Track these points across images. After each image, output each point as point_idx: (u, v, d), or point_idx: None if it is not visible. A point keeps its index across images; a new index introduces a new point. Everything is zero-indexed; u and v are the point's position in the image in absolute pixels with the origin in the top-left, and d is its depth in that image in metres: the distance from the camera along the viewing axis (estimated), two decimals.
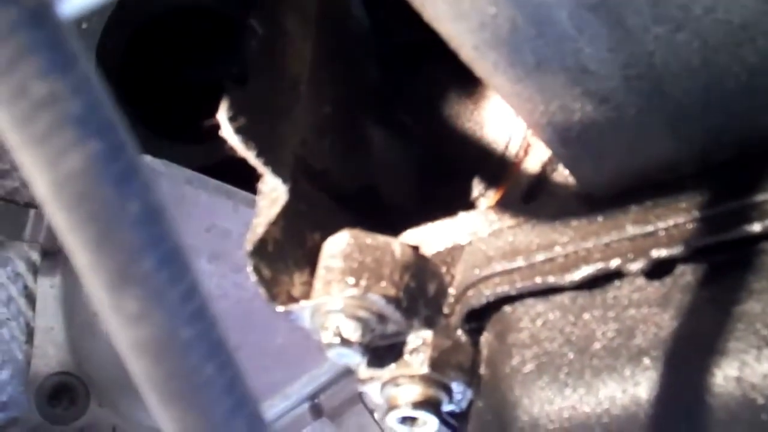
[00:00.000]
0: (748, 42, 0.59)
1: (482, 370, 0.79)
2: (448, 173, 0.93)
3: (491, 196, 0.89)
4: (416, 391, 0.78)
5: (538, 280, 0.73)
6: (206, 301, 0.42)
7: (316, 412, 1.38)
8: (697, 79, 0.62)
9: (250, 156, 0.72)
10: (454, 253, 0.81)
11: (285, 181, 0.75)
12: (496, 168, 0.89)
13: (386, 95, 1.00)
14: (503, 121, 0.91)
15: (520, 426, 0.72)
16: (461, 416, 0.82)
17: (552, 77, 0.63)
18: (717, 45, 0.60)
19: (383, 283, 0.77)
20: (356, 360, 0.78)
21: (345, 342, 0.77)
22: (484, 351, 0.79)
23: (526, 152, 0.87)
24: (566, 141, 0.68)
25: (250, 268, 0.78)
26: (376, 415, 1.39)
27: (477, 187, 0.90)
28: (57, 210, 0.38)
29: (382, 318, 0.78)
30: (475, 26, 0.60)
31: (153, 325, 0.40)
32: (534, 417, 0.71)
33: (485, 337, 0.79)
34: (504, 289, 0.74)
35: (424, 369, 0.78)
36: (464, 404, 0.81)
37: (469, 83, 0.93)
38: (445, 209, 0.86)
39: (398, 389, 0.79)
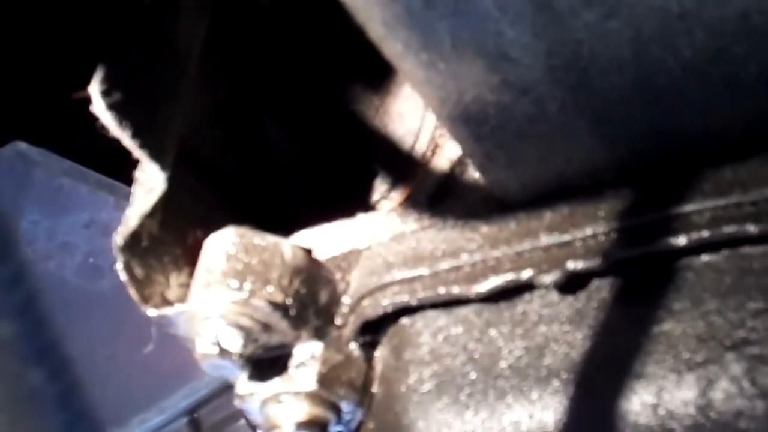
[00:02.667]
0: (685, 34, 0.54)
1: (375, 388, 0.72)
2: (349, 173, 0.85)
3: (395, 198, 0.82)
4: (301, 410, 0.71)
5: (442, 290, 0.66)
6: (35, 295, 0.34)
7: (195, 428, 1.29)
8: (626, 73, 0.56)
9: (124, 137, 0.64)
10: (350, 258, 0.73)
11: (163, 168, 0.66)
12: (401, 169, 0.82)
13: (286, 88, 0.92)
14: (410, 118, 0.84)
15: None
16: None
17: (469, 63, 0.57)
18: (651, 35, 0.54)
19: (270, 288, 0.69)
20: (235, 373, 0.70)
21: (223, 353, 0.68)
22: (378, 367, 0.72)
23: (433, 152, 0.80)
24: (479, 137, 0.62)
25: (119, 265, 0.69)
26: None
27: (379, 189, 0.83)
28: None
29: (266, 327, 0.69)
30: None
31: None
32: None
33: (380, 352, 0.72)
34: (403, 298, 0.67)
35: (312, 386, 0.70)
36: (353, 425, 0.74)
37: (374, 76, 0.86)
38: (343, 211, 0.78)
39: (281, 407, 0.71)
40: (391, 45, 0.57)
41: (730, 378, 0.56)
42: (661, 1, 0.52)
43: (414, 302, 0.67)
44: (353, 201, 0.83)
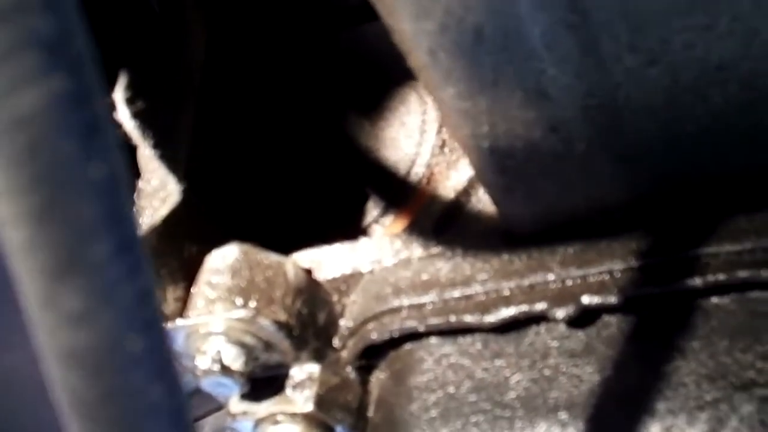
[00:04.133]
0: (719, 84, 0.56)
1: (371, 412, 0.72)
2: (340, 196, 0.86)
3: (386, 224, 0.82)
4: None
5: (452, 318, 0.66)
6: (160, 308, 0.33)
7: None
8: (657, 119, 0.58)
9: (145, 146, 0.63)
10: (350, 280, 0.74)
11: (180, 180, 0.65)
12: (395, 194, 0.82)
13: (279, 104, 0.92)
14: (404, 145, 0.84)
15: None
16: None
17: (506, 97, 0.58)
18: (687, 84, 0.56)
19: (274, 307, 0.69)
20: (234, 391, 0.69)
21: (225, 370, 0.67)
22: (374, 392, 0.72)
23: (429, 181, 0.81)
24: (503, 169, 0.63)
25: None
26: None
27: (371, 213, 0.83)
28: None
29: (268, 346, 0.69)
30: (436, 28, 0.54)
31: (97, 330, 0.30)
32: None
33: (377, 377, 0.72)
34: (411, 324, 0.68)
35: (309, 407, 0.70)
36: None
37: (367, 104, 0.87)
38: (334, 233, 0.78)
39: (277, 428, 0.71)
40: (432, 73, 0.58)
41: (739, 418, 0.58)
42: (702, 52, 0.54)
43: (422, 328, 0.67)
44: (345, 224, 0.84)
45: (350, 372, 0.72)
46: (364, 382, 0.73)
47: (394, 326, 0.68)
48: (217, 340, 0.68)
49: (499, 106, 0.58)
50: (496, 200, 0.67)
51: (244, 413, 0.72)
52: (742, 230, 0.61)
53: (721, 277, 0.60)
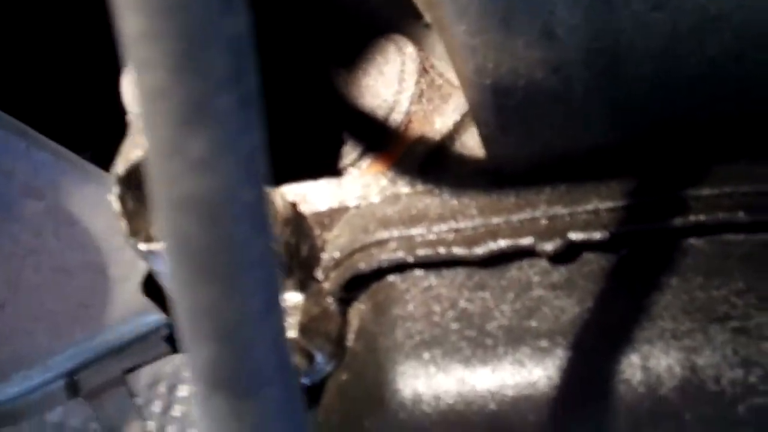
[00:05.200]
0: (716, 33, 0.60)
1: (351, 342, 0.74)
2: (319, 140, 0.87)
3: (363, 167, 0.84)
4: None
5: (442, 250, 0.69)
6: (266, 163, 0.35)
7: (73, 390, 1.24)
8: (655, 65, 0.62)
9: None
10: (334, 215, 0.76)
11: None
12: (373, 138, 0.85)
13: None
14: (383, 92, 0.87)
15: (400, 401, 0.67)
16: (311, 390, 0.76)
17: (515, 36, 0.61)
18: (686, 31, 0.60)
19: None
20: None
21: None
22: (354, 322, 0.74)
23: (407, 129, 0.83)
24: (501, 107, 0.66)
25: (113, 197, 0.69)
26: (138, 400, 1.27)
27: (348, 156, 0.86)
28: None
29: None
30: None
31: (218, 177, 0.32)
32: (417, 394, 0.67)
33: (357, 308, 0.74)
34: (400, 255, 0.70)
35: (292, 333, 0.72)
36: (319, 377, 0.76)
37: (348, 52, 0.89)
38: (313, 175, 0.80)
39: None
40: (447, 9, 0.60)
41: (713, 347, 0.63)
42: (703, 0, 0.58)
43: (411, 260, 0.70)
44: (322, 166, 0.85)
45: (331, 303, 0.74)
46: (344, 313, 0.75)
47: (383, 257, 0.70)
48: None
49: (506, 44, 0.61)
50: (488, 139, 0.70)
51: None
52: (723, 175, 0.65)
53: (702, 218, 0.64)
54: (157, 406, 1.22)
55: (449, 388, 0.67)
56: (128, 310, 1.13)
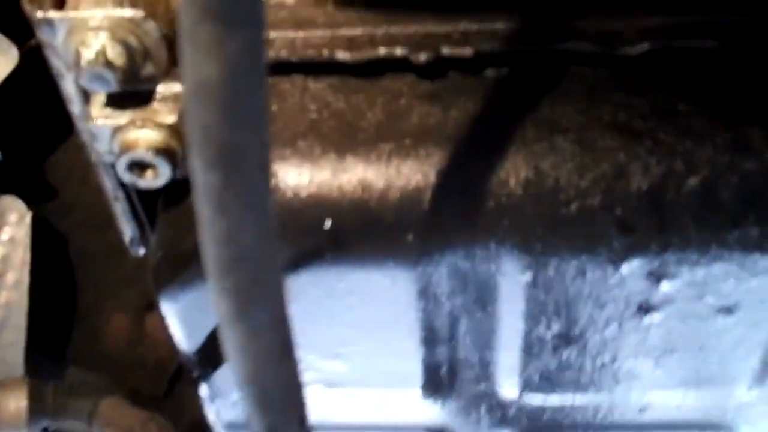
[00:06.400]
0: None
1: None
2: None
3: None
4: (160, 138, 0.76)
5: (325, 52, 0.75)
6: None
7: None
8: None
9: None
10: None
11: None
12: None
13: None
14: None
15: (275, 187, 0.73)
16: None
17: None
18: None
19: (159, 18, 0.73)
20: (111, 87, 0.73)
21: (108, 64, 0.72)
22: None
23: None
24: None
25: None
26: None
27: None
28: None
29: (147, 54, 0.74)
30: None
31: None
32: (292, 180, 0.74)
33: None
34: (283, 55, 0.76)
35: (173, 118, 0.76)
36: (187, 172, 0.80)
37: None
38: None
39: (139, 132, 0.75)
40: None
41: (556, 152, 0.73)
42: None
43: (294, 59, 0.75)
44: None
45: None
46: None
47: (270, 53, 0.75)
48: (102, 35, 0.71)
49: None
50: None
51: (106, 117, 0.76)
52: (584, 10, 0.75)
53: (557, 47, 0.74)
54: None
55: (324, 177, 0.74)
56: None
